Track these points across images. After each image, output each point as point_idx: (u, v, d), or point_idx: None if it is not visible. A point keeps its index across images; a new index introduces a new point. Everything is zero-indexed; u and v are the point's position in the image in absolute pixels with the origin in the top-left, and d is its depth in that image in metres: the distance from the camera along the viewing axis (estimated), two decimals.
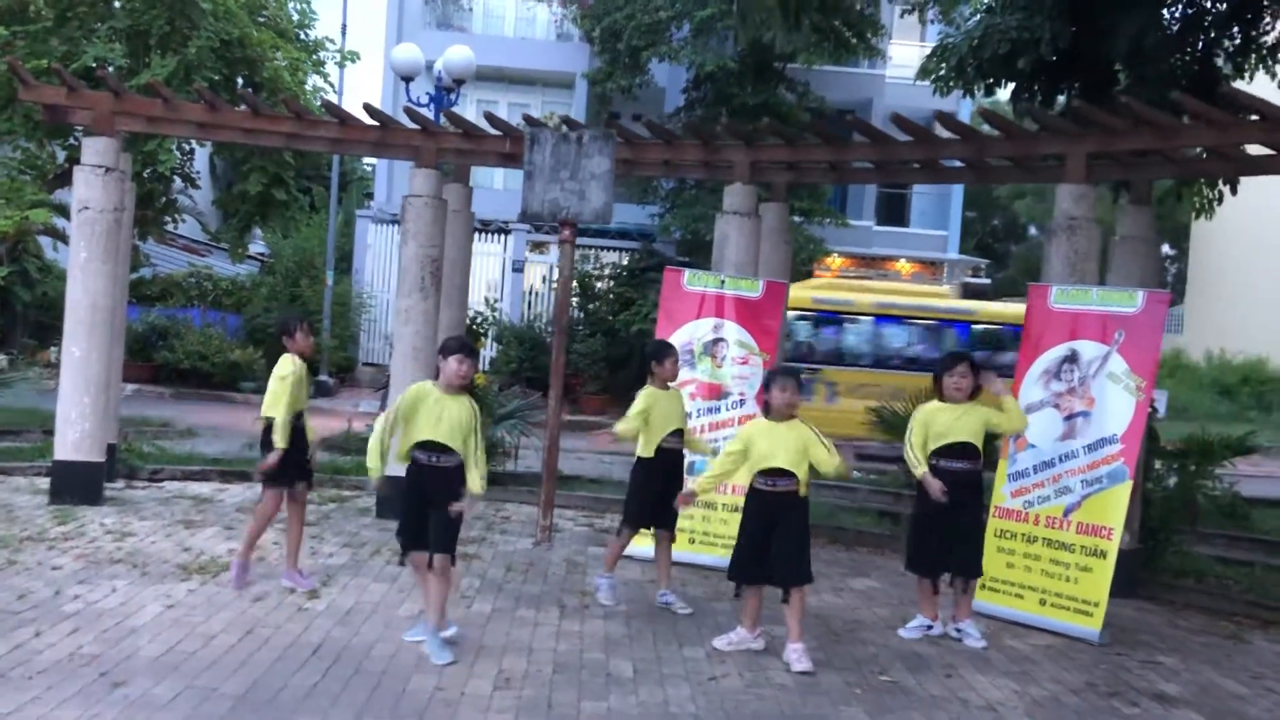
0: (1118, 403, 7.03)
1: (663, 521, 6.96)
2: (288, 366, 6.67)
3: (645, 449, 6.94)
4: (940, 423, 6.60)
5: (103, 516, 8.42)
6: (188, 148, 16.90)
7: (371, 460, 5.70)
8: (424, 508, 5.65)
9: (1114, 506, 6.90)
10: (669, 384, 7.11)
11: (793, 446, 5.92)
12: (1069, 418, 7.20)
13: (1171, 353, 29.08)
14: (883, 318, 18.12)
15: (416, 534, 5.69)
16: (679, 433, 7.07)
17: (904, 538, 6.97)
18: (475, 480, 5.67)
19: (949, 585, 6.83)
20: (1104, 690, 5.83)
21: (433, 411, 5.63)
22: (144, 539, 7.78)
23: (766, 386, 6.15)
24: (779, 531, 5.92)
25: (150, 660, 5.27)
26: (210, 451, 11.73)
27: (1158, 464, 9.38)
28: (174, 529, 8.19)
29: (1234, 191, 11.57)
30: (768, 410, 6.10)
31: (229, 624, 5.92)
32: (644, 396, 6.94)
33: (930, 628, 6.68)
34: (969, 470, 6.59)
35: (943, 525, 6.58)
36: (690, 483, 6.98)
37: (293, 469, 6.73)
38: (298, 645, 5.65)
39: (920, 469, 6.58)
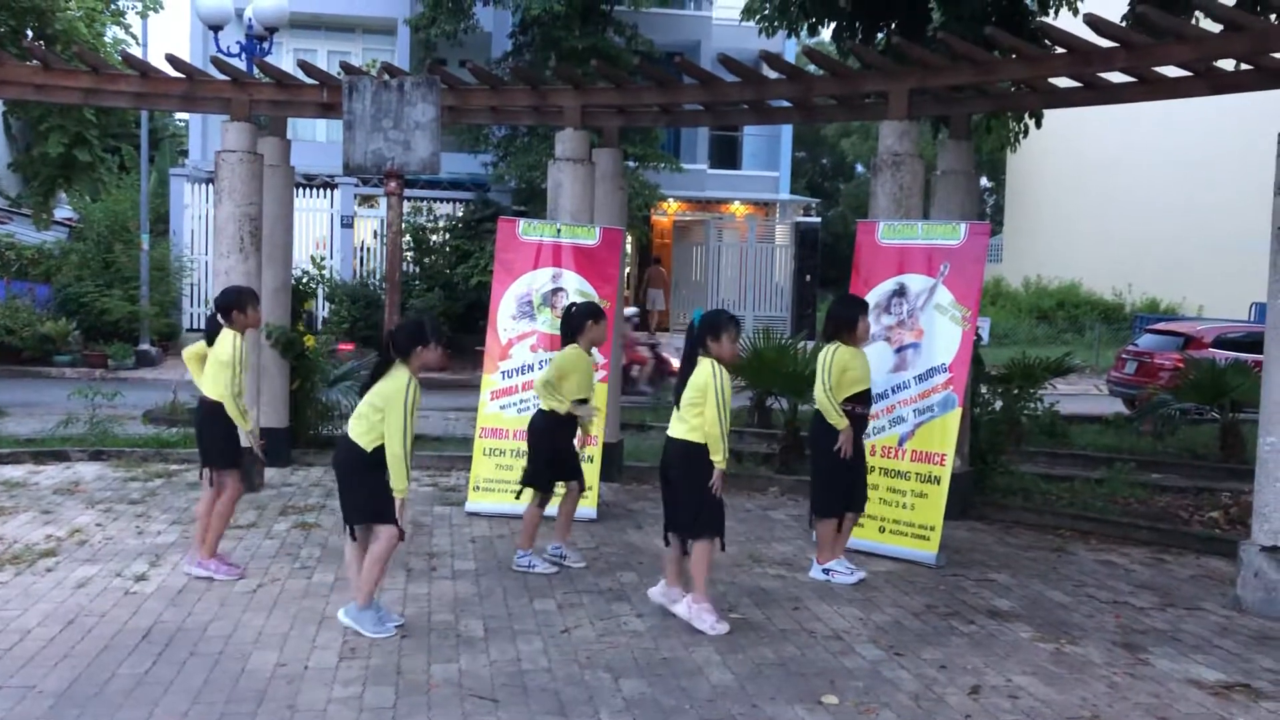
0: (945, 333, 7.24)
1: (572, 473, 6.84)
2: (227, 347, 6.20)
3: (556, 404, 6.68)
4: (858, 368, 6.55)
5: None
6: None
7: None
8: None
9: (945, 433, 7.14)
10: (594, 349, 6.93)
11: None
12: (899, 350, 7.38)
13: (992, 281, 30.42)
14: None
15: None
16: (586, 401, 6.84)
17: (810, 485, 6.91)
18: None
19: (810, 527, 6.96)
20: (943, 611, 6.05)
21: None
22: None
23: (715, 332, 5.57)
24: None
25: None
26: (23, 432, 11.00)
27: (983, 389, 9.78)
28: None
29: (1038, 124, 12.04)
30: (706, 354, 5.58)
31: (47, 615, 5.55)
32: (569, 358, 6.70)
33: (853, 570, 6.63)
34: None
35: (852, 467, 6.56)
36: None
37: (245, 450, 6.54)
38: (125, 632, 5.35)
39: (844, 423, 6.44)
